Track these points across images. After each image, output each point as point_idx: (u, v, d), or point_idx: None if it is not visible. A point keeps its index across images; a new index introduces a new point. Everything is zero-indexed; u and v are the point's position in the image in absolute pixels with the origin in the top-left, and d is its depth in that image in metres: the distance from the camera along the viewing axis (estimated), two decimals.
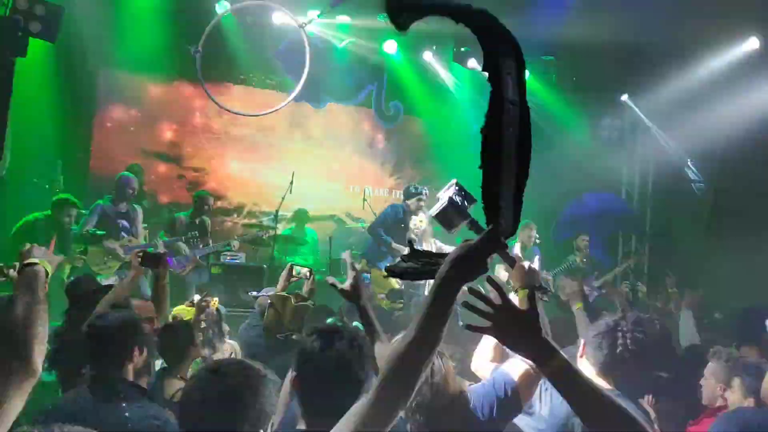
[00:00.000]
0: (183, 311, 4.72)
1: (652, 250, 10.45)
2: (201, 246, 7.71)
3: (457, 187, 1.85)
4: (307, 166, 10.07)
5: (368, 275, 6.66)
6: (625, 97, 10.31)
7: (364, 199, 9.10)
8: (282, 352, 3.60)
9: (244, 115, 9.03)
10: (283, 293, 4.19)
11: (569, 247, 9.32)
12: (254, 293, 4.81)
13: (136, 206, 7.51)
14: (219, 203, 9.42)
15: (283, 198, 8.61)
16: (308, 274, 4.73)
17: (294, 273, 4.66)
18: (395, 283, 7.32)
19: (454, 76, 10.53)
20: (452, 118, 10.50)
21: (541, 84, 10.36)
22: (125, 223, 7.20)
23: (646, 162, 10.79)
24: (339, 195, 10.45)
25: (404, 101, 10.79)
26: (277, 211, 8.50)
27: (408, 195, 7.91)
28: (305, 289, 4.70)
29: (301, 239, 9.08)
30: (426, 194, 7.83)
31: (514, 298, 2.15)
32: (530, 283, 2.32)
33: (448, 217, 1.81)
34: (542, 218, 9.34)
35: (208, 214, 8.02)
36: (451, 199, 1.81)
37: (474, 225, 1.75)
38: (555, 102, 10.35)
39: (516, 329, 1.55)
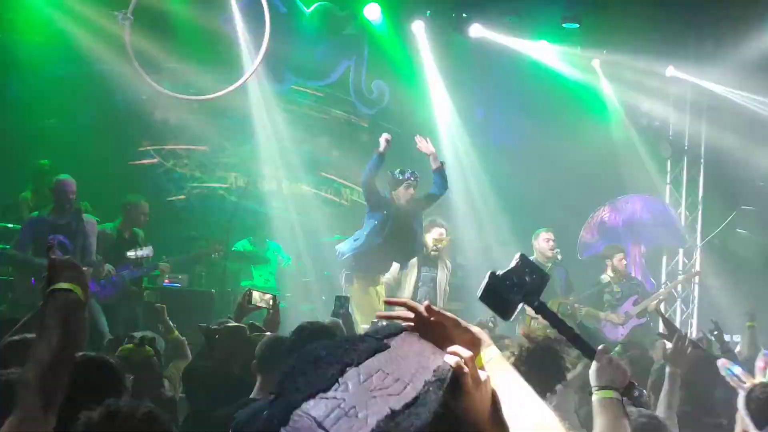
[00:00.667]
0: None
1: (704, 267, 10.48)
2: (132, 267, 7.63)
3: (519, 261, 1.81)
4: (268, 163, 10.04)
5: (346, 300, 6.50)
6: (671, 71, 10.29)
7: (340, 201, 9.05)
8: (232, 400, 3.59)
9: (185, 98, 8.94)
10: (236, 324, 4.16)
11: (598, 264, 9.35)
12: (204, 326, 4.75)
13: (87, 217, 7.39)
14: None
15: (236, 204, 8.55)
16: (271, 301, 4.71)
17: (253, 301, 4.64)
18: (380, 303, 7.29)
19: (452, 50, 10.59)
20: (448, 101, 10.51)
21: (562, 58, 10.42)
22: (63, 238, 7.09)
23: (696, 153, 10.84)
24: (308, 198, 10.44)
25: (390, 81, 10.78)
26: (229, 221, 8.43)
27: (393, 183, 7.87)
28: (267, 318, 4.68)
29: (260, 256, 9.01)
30: (415, 178, 7.80)
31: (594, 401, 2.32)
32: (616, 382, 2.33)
33: (492, 300, 1.77)
34: (563, 227, 9.37)
35: (141, 225, 7.95)
36: (493, 277, 1.76)
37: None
38: (579, 81, 10.41)
39: None
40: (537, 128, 10.40)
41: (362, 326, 6.75)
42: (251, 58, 8.81)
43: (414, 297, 7.97)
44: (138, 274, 7.73)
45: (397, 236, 7.64)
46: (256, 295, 4.75)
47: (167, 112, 9.57)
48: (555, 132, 10.23)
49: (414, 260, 8.00)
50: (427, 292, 7.96)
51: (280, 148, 10.04)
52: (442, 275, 8.16)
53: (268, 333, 4.12)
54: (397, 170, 7.87)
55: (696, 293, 10.57)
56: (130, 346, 4.04)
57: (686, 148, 10.83)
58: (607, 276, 8.88)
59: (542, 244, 8.43)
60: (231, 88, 8.23)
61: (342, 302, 5.47)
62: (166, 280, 8.22)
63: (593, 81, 10.58)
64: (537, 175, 10.18)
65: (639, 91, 10.46)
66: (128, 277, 7.59)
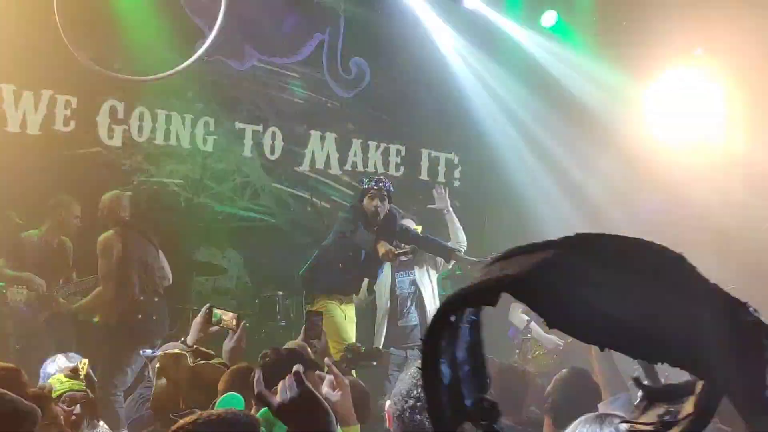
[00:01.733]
0: (57, 383, 4.54)
1: (742, 275, 10.48)
2: (61, 282, 7.63)
3: None
4: (226, 154, 10.02)
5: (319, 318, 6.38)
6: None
7: (311, 200, 9.03)
8: None
9: (128, 79, 8.90)
10: (175, 351, 4.10)
11: None
12: (147, 352, 4.68)
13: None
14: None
15: (190, 201, 8.51)
16: (233, 321, 4.63)
17: (215, 319, 4.56)
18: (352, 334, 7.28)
19: (446, 19, 10.56)
20: (441, 81, 10.51)
21: (573, 37, 10.46)
22: None
23: (732, 144, 10.87)
24: (273, 195, 10.41)
25: (371, 58, 10.78)
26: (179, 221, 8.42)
27: (361, 194, 7.85)
28: (229, 344, 4.60)
29: (218, 266, 8.95)
30: (384, 185, 7.75)
31: None
32: None
33: None
34: (575, 230, 9.35)
35: (72, 232, 7.89)
36: None
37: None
38: (592, 62, 10.43)
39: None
40: (541, 115, 10.43)
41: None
42: (206, 31, 8.74)
43: (393, 307, 7.92)
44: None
45: (355, 262, 7.66)
46: (218, 312, 4.66)
47: None
48: (560, 121, 10.28)
49: (387, 266, 7.95)
50: (411, 299, 7.95)
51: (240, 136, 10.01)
52: (422, 274, 8.12)
53: (216, 360, 4.05)
54: (366, 177, 7.92)
55: None
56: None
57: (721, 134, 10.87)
58: None
59: None
60: (180, 67, 8.18)
61: (315, 320, 5.33)
62: None
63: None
64: (537, 166, 10.21)
65: None
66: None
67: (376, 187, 7.71)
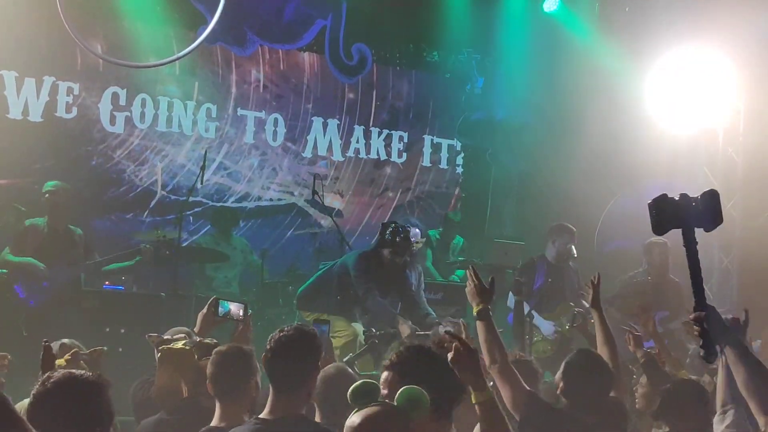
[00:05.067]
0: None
1: (744, 261, 10.49)
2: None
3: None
4: (229, 142, 10.01)
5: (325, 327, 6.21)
6: None
7: (314, 191, 9.01)
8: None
9: (129, 66, 8.89)
10: (180, 345, 4.09)
11: (618, 260, 9.35)
12: (153, 336, 4.64)
13: None
14: None
15: (190, 190, 8.50)
16: (241, 313, 4.61)
17: (220, 310, 4.54)
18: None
19: (450, 4, 10.51)
20: (449, 67, 10.48)
21: (577, 18, 10.42)
22: None
23: (734, 131, 10.85)
24: (274, 183, 10.44)
25: (374, 44, 10.74)
26: (182, 211, 8.40)
27: (383, 242, 7.10)
28: (236, 334, 4.60)
29: (224, 253, 8.91)
30: (416, 238, 7.24)
31: None
32: None
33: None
34: (578, 218, 9.38)
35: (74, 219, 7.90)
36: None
37: None
38: (597, 44, 10.40)
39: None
40: (544, 101, 10.41)
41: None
42: (207, 17, 8.72)
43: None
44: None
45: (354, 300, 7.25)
46: (225, 303, 4.65)
47: None
48: (565, 108, 10.26)
49: None
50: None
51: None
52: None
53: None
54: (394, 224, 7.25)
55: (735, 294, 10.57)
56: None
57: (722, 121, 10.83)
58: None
59: (564, 242, 8.18)
60: (182, 53, 8.14)
61: (323, 330, 5.10)
62: (107, 282, 8.16)
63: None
64: (541, 156, 10.20)
65: None
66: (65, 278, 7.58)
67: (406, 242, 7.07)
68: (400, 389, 2.68)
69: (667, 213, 2.74)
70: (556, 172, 10.27)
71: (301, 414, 3.49)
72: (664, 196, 2.74)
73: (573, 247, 8.09)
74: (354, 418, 2.58)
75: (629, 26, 10.36)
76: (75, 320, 7.44)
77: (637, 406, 5.19)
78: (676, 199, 2.74)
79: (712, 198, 2.74)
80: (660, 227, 2.77)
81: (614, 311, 8.30)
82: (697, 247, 2.77)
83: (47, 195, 7.75)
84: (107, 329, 7.34)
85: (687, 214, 2.74)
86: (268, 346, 3.49)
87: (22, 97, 9.00)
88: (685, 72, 10.16)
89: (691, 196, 2.75)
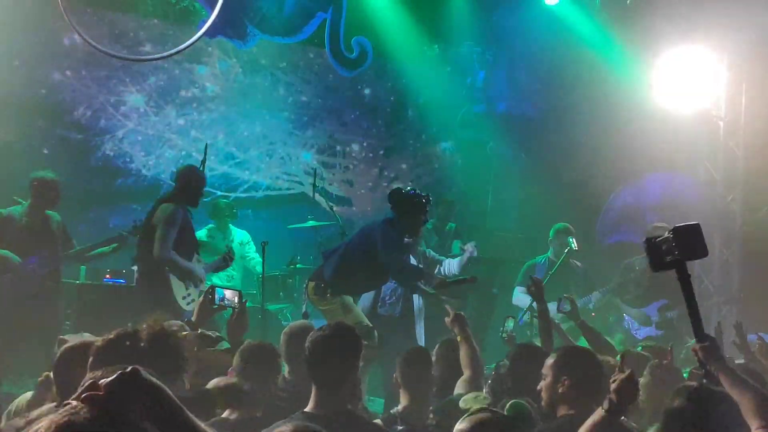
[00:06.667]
0: None
1: (745, 254, 10.52)
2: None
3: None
4: (229, 134, 10.05)
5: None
6: None
7: (314, 185, 9.02)
8: None
9: (130, 59, 8.91)
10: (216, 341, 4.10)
11: (619, 254, 9.35)
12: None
13: None
14: None
15: None
16: (236, 299, 4.65)
17: (217, 297, 4.58)
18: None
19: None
20: (449, 61, 10.48)
21: (578, 11, 10.41)
22: None
23: (735, 124, 10.86)
24: (275, 176, 10.45)
25: (374, 37, 10.76)
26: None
27: (414, 207, 7.02)
28: (231, 322, 4.61)
29: (221, 245, 8.92)
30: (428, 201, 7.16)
31: None
32: None
33: None
34: (579, 211, 9.39)
35: (53, 206, 7.79)
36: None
37: None
38: (598, 38, 10.40)
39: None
40: (545, 94, 10.42)
41: None
42: (207, 11, 8.73)
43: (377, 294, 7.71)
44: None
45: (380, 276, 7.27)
46: (220, 291, 4.69)
47: None
48: (566, 101, 10.28)
49: None
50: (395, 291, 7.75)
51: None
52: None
53: (222, 345, 4.06)
54: (405, 188, 7.37)
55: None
56: None
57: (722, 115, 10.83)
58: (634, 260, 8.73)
59: (560, 242, 8.24)
60: (183, 46, 8.13)
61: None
62: (107, 276, 8.15)
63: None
64: (542, 149, 10.22)
65: None
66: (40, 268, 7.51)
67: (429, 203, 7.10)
68: (510, 402, 2.70)
69: (661, 253, 3.02)
70: (557, 164, 10.29)
71: (347, 409, 3.51)
72: (651, 240, 3.07)
73: (572, 239, 8.10)
74: (463, 425, 2.58)
75: (630, 19, 10.33)
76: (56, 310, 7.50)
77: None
78: (660, 239, 3.03)
79: (695, 232, 3.01)
80: (658, 267, 3.06)
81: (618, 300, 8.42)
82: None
83: (35, 183, 7.68)
84: (107, 321, 7.31)
85: (677, 251, 2.98)
86: (307, 344, 3.57)
87: None
88: (686, 65, 10.16)
89: (675, 228, 3.00)
